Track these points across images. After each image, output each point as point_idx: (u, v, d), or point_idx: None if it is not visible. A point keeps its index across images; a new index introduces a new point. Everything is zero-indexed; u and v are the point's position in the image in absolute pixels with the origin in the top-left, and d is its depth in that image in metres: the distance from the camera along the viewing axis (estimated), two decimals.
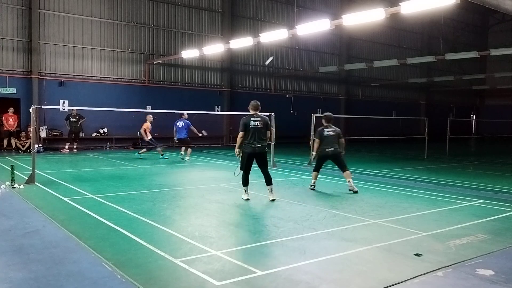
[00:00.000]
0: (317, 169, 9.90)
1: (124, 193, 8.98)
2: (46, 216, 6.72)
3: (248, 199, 8.39)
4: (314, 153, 10.13)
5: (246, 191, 8.50)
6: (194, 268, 4.52)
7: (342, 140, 9.83)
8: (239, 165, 8.53)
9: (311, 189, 9.67)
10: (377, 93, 34.10)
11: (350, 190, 9.40)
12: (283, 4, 27.54)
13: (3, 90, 18.95)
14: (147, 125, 16.51)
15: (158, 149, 16.73)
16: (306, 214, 7.20)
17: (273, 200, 8.28)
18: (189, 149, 16.11)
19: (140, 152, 16.86)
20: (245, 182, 8.47)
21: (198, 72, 24.71)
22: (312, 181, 9.83)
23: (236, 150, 8.44)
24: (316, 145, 9.85)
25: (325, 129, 9.74)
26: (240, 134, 8.30)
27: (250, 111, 8.53)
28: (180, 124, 15.93)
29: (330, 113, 10.17)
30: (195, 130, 16.05)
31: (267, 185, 8.43)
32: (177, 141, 16.65)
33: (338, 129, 9.99)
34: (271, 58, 16.63)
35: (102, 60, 21.42)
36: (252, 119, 8.39)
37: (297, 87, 29.28)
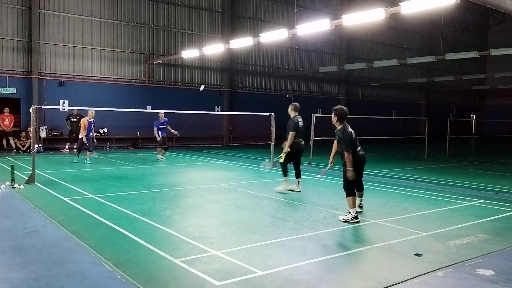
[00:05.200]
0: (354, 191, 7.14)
1: (124, 193, 8.98)
2: (46, 216, 6.72)
3: (293, 190, 9.21)
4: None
5: (287, 180, 9.29)
6: (194, 268, 4.52)
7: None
8: (281, 158, 9.31)
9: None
10: (377, 93, 34.11)
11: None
12: (283, 4, 27.55)
13: (3, 90, 18.95)
14: (84, 121, 14.28)
15: (89, 153, 14.51)
16: (306, 214, 7.20)
17: (299, 191, 9.23)
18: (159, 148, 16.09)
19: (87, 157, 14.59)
20: (286, 172, 9.36)
21: (198, 72, 24.71)
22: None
23: (287, 148, 9.08)
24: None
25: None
26: (292, 134, 9.04)
27: (292, 112, 9.33)
28: None
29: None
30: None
31: (297, 178, 9.40)
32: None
33: None
34: (203, 86, 16.02)
35: (102, 60, 21.42)
36: (299, 119, 9.22)
37: (297, 87, 29.28)
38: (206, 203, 8.09)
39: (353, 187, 6.74)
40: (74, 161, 14.36)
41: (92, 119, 14.29)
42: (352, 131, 6.80)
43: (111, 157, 16.91)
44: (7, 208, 7.41)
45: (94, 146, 14.77)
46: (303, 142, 9.34)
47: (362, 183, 7.26)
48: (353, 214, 6.63)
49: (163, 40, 23.31)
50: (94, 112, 14.36)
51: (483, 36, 41.11)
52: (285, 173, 9.36)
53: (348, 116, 6.92)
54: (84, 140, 14.23)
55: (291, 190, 9.26)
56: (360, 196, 7.28)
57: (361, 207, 7.31)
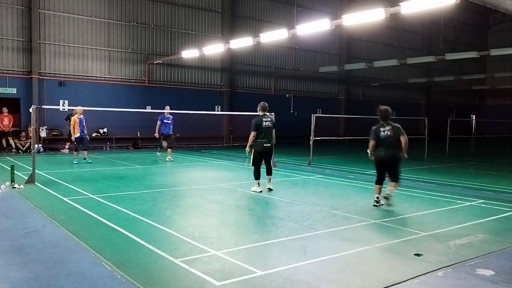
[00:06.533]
0: (379, 181, 7.92)
1: (124, 193, 8.98)
2: (46, 216, 6.72)
3: (261, 191, 9.16)
4: (371, 158, 7.92)
5: (258, 184, 9.23)
6: (194, 268, 4.52)
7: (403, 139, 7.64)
8: (249, 160, 9.39)
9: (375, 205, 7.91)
10: (377, 93, 34.09)
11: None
12: (283, 4, 27.55)
13: (3, 90, 18.94)
14: (75, 119, 14.17)
15: (85, 152, 14.66)
16: (306, 214, 7.20)
17: (270, 189, 9.28)
18: (169, 149, 15.42)
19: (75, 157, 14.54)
20: (257, 176, 9.24)
21: (198, 72, 24.71)
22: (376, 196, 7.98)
23: (248, 148, 9.24)
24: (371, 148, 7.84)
25: (381, 128, 7.75)
26: (253, 134, 9.08)
27: (260, 112, 9.30)
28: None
29: (387, 107, 7.90)
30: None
31: (268, 175, 9.39)
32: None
33: (396, 125, 7.78)
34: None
35: (102, 60, 21.42)
36: (263, 119, 9.19)
37: (297, 87, 29.28)
38: (206, 203, 8.09)
39: (379, 176, 7.88)
40: (75, 162, 14.33)
41: (82, 116, 14.21)
42: (385, 131, 7.62)
43: (111, 157, 16.92)
44: (7, 208, 7.41)
45: (86, 147, 14.82)
46: (267, 144, 9.14)
47: (395, 176, 7.75)
48: (376, 199, 7.86)
49: (163, 40, 23.31)
50: (82, 109, 14.24)
51: (483, 36, 41.10)
52: (255, 176, 9.22)
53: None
54: (73, 138, 14.23)
55: (269, 189, 9.37)
56: (389, 186, 7.78)
57: (386, 197, 7.73)
